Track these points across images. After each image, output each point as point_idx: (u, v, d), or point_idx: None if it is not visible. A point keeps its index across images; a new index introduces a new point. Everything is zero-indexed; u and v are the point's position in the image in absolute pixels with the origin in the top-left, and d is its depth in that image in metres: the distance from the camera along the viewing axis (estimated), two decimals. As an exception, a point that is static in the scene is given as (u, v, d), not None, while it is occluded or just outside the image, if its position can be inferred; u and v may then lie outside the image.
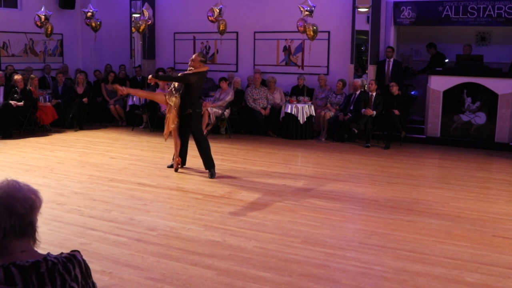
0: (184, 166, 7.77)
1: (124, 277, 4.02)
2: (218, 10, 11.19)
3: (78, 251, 2.09)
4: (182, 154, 7.69)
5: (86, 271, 1.92)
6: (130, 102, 12.03)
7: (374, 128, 10.28)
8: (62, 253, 1.93)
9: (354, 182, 7.26)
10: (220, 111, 10.88)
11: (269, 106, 11.21)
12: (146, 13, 11.73)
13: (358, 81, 10.71)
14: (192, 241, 4.81)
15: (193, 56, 7.40)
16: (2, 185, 1.82)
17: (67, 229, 5.07)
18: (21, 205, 1.79)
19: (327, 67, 11.60)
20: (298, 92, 11.16)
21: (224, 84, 11.10)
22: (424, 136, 10.47)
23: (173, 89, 7.47)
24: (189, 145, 7.73)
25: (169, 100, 7.42)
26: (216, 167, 7.95)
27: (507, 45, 10.83)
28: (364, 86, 10.76)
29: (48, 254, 1.84)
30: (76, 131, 11.39)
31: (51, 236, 4.81)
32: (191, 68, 7.31)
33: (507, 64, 10.63)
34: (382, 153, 9.38)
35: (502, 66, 10.57)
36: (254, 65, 12.29)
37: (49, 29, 12.13)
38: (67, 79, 12.63)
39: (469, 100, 10.10)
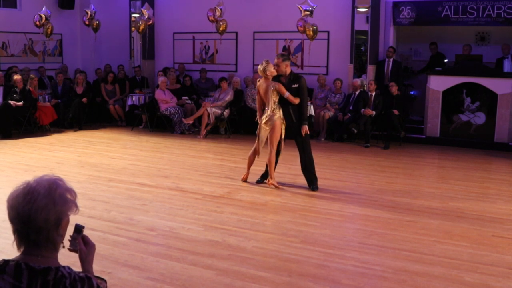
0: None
1: (123, 277, 4.02)
2: (220, 10, 11.19)
3: (104, 280, 2.08)
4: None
5: None
6: (129, 102, 12.03)
7: (374, 128, 10.28)
8: (81, 272, 1.93)
9: (353, 182, 7.26)
10: (219, 111, 10.88)
11: (268, 106, 11.18)
12: (145, 13, 11.73)
13: (358, 81, 10.71)
14: (192, 241, 4.80)
15: (276, 60, 6.72)
16: (21, 190, 1.82)
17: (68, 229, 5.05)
18: (41, 217, 1.78)
19: (327, 67, 11.60)
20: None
21: (224, 84, 11.10)
22: (424, 136, 10.47)
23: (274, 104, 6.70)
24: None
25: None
26: (216, 167, 7.97)
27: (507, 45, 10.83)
28: (364, 86, 10.76)
29: (65, 266, 1.84)
30: (75, 131, 11.39)
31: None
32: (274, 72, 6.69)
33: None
34: (381, 153, 9.38)
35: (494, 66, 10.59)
36: (254, 65, 12.27)
37: (49, 29, 12.12)
38: (67, 79, 12.63)
39: (468, 100, 10.10)
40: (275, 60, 6.82)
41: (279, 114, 6.71)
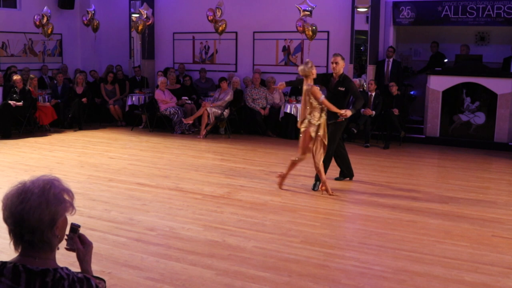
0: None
1: (123, 277, 4.02)
2: (220, 10, 11.18)
3: (103, 280, 2.07)
4: (348, 168, 7.00)
5: None
6: (129, 102, 12.04)
7: (374, 128, 10.28)
8: (80, 272, 1.91)
9: (353, 182, 7.25)
10: (219, 111, 10.88)
11: (268, 106, 11.21)
12: (143, 13, 11.72)
13: (356, 81, 10.69)
14: (192, 241, 4.80)
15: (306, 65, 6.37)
16: (16, 190, 1.80)
17: (66, 230, 5.05)
18: (32, 217, 1.76)
19: (326, 67, 11.58)
20: (297, 92, 11.16)
21: (224, 84, 11.10)
22: (424, 136, 10.47)
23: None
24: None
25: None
26: (216, 167, 7.97)
27: (506, 44, 10.83)
28: (363, 86, 10.76)
29: (64, 268, 1.83)
30: (75, 131, 11.38)
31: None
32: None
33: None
34: (381, 153, 9.38)
35: (501, 66, 10.58)
36: (254, 65, 12.29)
37: (50, 29, 12.12)
38: (67, 79, 12.63)
39: (468, 100, 10.10)
40: (333, 57, 6.63)
41: (323, 117, 6.31)
